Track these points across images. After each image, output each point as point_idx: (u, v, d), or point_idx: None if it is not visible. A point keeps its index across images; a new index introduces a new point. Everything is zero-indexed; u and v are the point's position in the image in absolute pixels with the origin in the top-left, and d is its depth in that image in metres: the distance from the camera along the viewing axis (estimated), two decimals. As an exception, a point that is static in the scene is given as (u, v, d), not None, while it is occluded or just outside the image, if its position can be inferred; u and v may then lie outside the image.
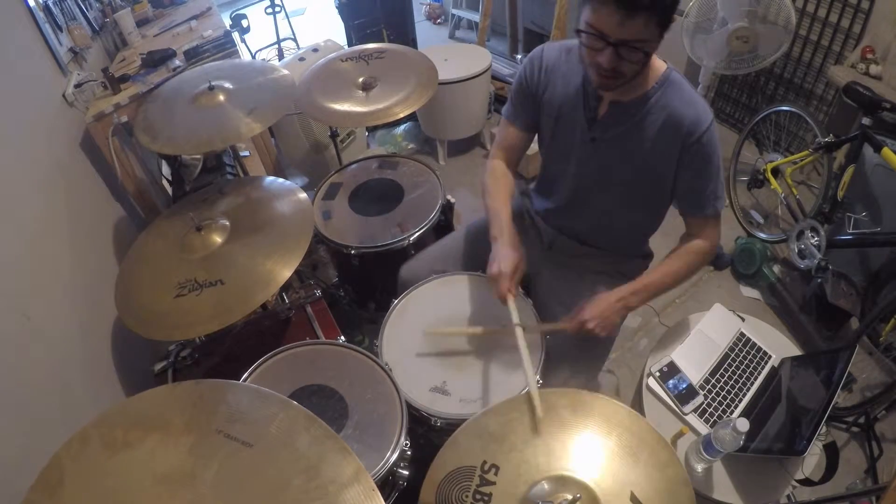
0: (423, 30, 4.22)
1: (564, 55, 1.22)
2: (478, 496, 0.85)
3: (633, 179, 1.21)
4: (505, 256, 1.16)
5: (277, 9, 3.22)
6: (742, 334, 1.38)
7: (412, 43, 3.41)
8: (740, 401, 1.27)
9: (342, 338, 1.35)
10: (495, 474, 0.86)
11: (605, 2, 0.93)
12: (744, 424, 1.03)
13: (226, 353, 1.41)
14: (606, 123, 1.17)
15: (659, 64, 1.13)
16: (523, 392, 1.05)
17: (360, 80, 1.78)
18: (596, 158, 1.22)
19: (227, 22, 2.75)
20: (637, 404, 1.32)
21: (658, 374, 1.30)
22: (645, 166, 1.18)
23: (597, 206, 1.30)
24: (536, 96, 1.25)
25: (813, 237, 1.99)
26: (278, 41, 3.39)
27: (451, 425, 1.08)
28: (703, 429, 1.21)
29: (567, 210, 1.36)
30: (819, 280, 1.96)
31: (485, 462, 0.88)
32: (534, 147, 1.38)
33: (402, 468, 1.07)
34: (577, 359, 1.29)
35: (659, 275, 1.23)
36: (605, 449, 0.89)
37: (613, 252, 1.37)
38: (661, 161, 1.17)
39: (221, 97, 1.60)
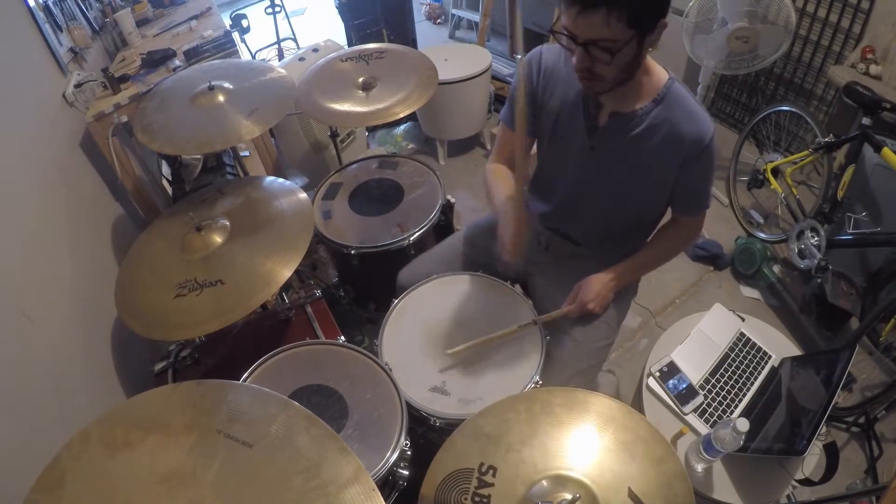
0: (423, 30, 4.22)
1: (563, 58, 1.20)
2: (477, 498, 0.85)
3: (632, 189, 1.22)
4: (504, 221, 1.21)
5: (277, 9, 3.22)
6: (742, 334, 1.38)
7: (412, 43, 3.41)
8: (740, 401, 1.27)
9: (342, 338, 1.35)
10: (493, 476, 0.86)
11: (569, 2, 0.93)
12: (744, 424, 1.03)
13: (226, 353, 1.41)
14: (607, 134, 1.16)
15: (660, 74, 1.12)
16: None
17: (360, 80, 1.78)
18: (595, 167, 1.21)
19: (227, 22, 2.75)
20: (637, 404, 1.32)
21: (658, 374, 1.30)
22: (645, 178, 1.19)
23: (593, 211, 1.30)
24: (535, 100, 1.24)
25: (813, 237, 1.99)
26: (278, 41, 3.39)
27: (451, 425, 1.08)
28: (703, 429, 1.21)
29: (563, 214, 1.36)
30: (819, 280, 1.96)
31: (482, 464, 0.88)
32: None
33: (402, 468, 1.07)
34: (577, 359, 1.29)
35: (650, 255, 1.34)
36: (602, 446, 0.89)
37: (610, 254, 1.37)
38: (662, 173, 1.17)
39: (221, 97, 1.60)
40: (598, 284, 1.27)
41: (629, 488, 0.84)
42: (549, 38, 3.05)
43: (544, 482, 0.85)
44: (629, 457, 0.87)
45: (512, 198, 1.23)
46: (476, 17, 3.82)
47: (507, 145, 1.34)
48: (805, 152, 2.19)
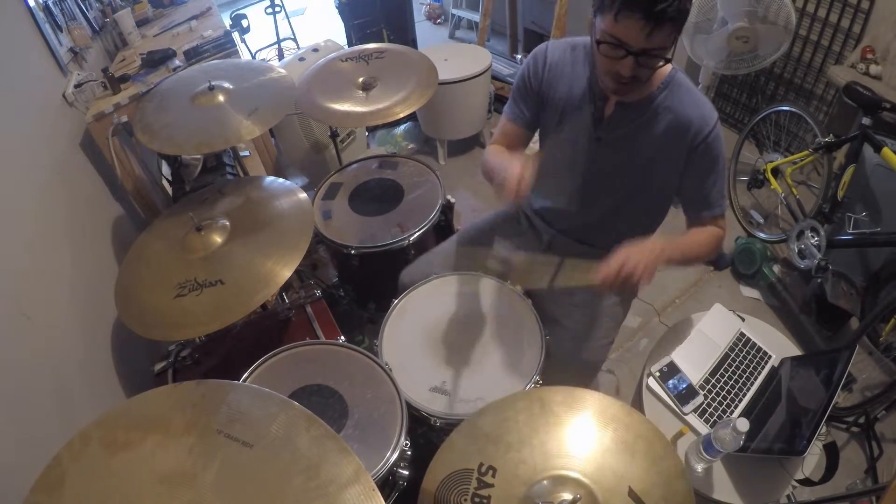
0: (423, 30, 4.22)
1: (569, 53, 1.21)
2: (476, 499, 0.84)
3: (639, 179, 1.22)
4: (508, 164, 1.05)
5: (277, 9, 3.22)
6: (742, 334, 1.38)
7: (412, 43, 3.41)
8: (740, 401, 1.27)
9: (342, 338, 1.35)
10: (493, 476, 0.86)
11: (630, 14, 0.92)
12: (744, 424, 1.03)
13: (226, 353, 1.41)
14: (612, 123, 1.17)
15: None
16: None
17: (360, 80, 1.78)
18: (601, 158, 1.22)
19: (227, 22, 2.76)
20: (637, 404, 1.32)
21: (658, 374, 1.30)
22: (651, 166, 1.18)
23: (600, 205, 1.30)
24: (540, 94, 1.25)
25: (813, 237, 1.99)
26: (278, 41, 3.39)
27: (451, 425, 1.08)
28: (703, 429, 1.21)
29: (568, 210, 1.36)
30: (819, 280, 1.96)
31: (481, 464, 0.88)
32: (534, 147, 1.38)
33: (402, 468, 1.07)
34: (577, 358, 1.29)
35: (688, 241, 1.19)
36: (602, 445, 0.89)
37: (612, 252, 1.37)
38: (668, 161, 1.17)
39: (221, 97, 1.60)
40: (646, 251, 1.04)
41: (629, 487, 0.84)
42: (549, 36, 3.06)
43: (544, 482, 0.85)
44: (629, 456, 0.87)
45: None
46: (476, 17, 3.82)
47: (507, 136, 1.34)
48: (805, 152, 2.19)
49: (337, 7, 3.13)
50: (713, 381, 1.29)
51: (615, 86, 1.06)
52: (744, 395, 1.28)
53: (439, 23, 4.42)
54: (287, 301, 1.51)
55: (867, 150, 1.89)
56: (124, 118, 1.81)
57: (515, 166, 1.02)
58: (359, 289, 1.83)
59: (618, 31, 0.96)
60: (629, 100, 1.14)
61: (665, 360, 1.33)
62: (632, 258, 1.01)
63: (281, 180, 1.52)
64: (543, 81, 1.23)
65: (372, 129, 3.13)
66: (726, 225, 1.24)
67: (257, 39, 3.47)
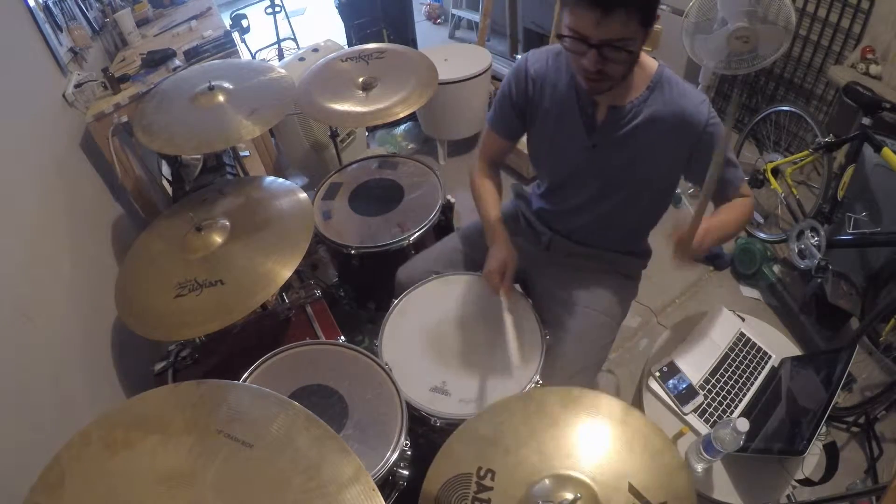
0: (423, 30, 4.22)
1: (552, 61, 1.20)
2: (477, 503, 0.84)
3: (638, 181, 1.21)
4: (492, 255, 1.25)
5: (277, 9, 3.22)
6: (742, 334, 1.38)
7: (412, 43, 3.41)
8: (740, 401, 1.27)
9: (342, 338, 1.35)
10: (492, 479, 0.86)
11: (581, 3, 0.92)
12: (744, 424, 1.03)
13: (226, 353, 1.41)
14: (606, 129, 1.16)
15: (650, 63, 1.13)
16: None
17: (360, 80, 1.78)
18: (598, 164, 1.21)
19: (227, 22, 2.76)
20: (637, 404, 1.32)
21: (658, 374, 1.30)
22: (650, 166, 1.18)
23: (599, 210, 1.29)
24: (525, 109, 1.25)
25: (813, 237, 1.99)
26: (278, 41, 3.39)
27: (451, 425, 1.08)
28: (703, 429, 1.21)
29: (569, 214, 1.35)
30: (819, 280, 1.96)
31: (480, 468, 0.87)
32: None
33: (402, 468, 1.07)
34: (577, 358, 1.29)
35: (719, 220, 1.15)
36: (600, 443, 0.89)
37: (612, 251, 1.37)
38: (669, 158, 1.16)
39: (221, 97, 1.60)
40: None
41: (629, 484, 0.84)
42: (549, 36, 3.06)
43: (544, 482, 0.85)
44: (629, 453, 0.87)
45: (500, 222, 1.32)
46: (476, 17, 3.82)
47: (492, 146, 1.38)
48: (805, 152, 2.19)
49: (337, 7, 3.13)
50: (713, 381, 1.29)
51: (587, 83, 1.05)
52: (744, 395, 1.28)
53: (439, 23, 4.42)
54: (287, 301, 1.51)
55: (867, 150, 1.89)
56: (124, 118, 1.81)
57: (494, 263, 1.22)
58: (359, 289, 1.83)
59: (574, 23, 0.96)
60: (621, 103, 1.13)
61: (665, 360, 1.33)
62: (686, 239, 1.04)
63: (281, 180, 1.52)
64: (529, 95, 1.22)
65: (372, 129, 3.13)
66: (748, 189, 1.24)
67: (257, 39, 3.47)
